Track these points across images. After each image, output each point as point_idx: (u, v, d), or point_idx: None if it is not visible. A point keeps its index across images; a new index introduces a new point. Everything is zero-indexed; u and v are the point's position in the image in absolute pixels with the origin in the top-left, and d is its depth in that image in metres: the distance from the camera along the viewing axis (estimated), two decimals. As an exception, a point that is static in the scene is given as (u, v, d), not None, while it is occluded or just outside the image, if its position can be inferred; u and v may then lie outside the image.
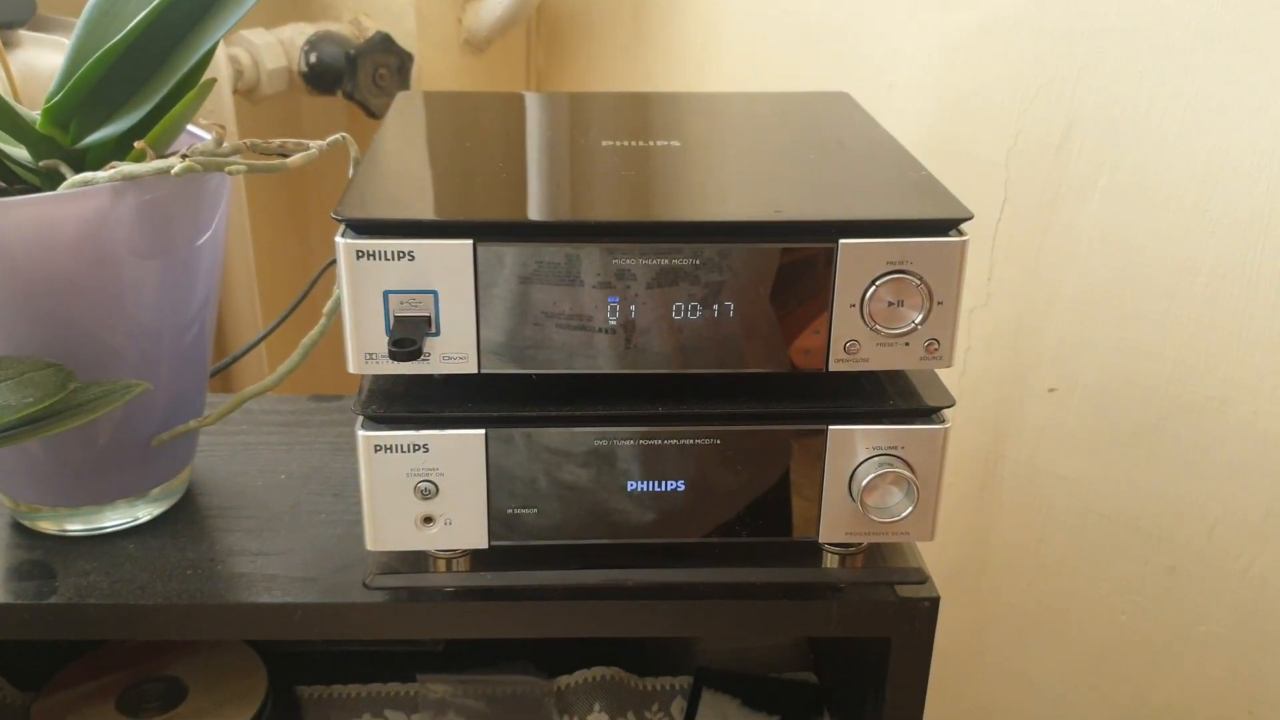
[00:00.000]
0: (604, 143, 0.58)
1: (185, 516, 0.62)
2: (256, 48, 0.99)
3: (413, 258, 0.47)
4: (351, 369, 0.49)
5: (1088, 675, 0.98)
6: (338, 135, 0.57)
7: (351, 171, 0.56)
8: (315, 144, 0.56)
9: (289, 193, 1.13)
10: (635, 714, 0.72)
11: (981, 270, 0.93)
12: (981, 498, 0.98)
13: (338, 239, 0.47)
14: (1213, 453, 0.85)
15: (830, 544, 0.55)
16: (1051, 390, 0.92)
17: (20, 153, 0.56)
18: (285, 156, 0.55)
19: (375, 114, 1.04)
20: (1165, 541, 0.90)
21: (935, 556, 0.57)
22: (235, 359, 0.71)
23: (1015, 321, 0.93)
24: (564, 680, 0.73)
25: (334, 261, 0.67)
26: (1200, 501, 0.87)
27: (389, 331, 0.48)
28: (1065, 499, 0.94)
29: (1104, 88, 0.84)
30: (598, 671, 0.73)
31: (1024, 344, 0.93)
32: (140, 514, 0.61)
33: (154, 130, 0.53)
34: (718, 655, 0.77)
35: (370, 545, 0.52)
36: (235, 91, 0.97)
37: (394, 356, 0.48)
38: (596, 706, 0.71)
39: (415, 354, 0.48)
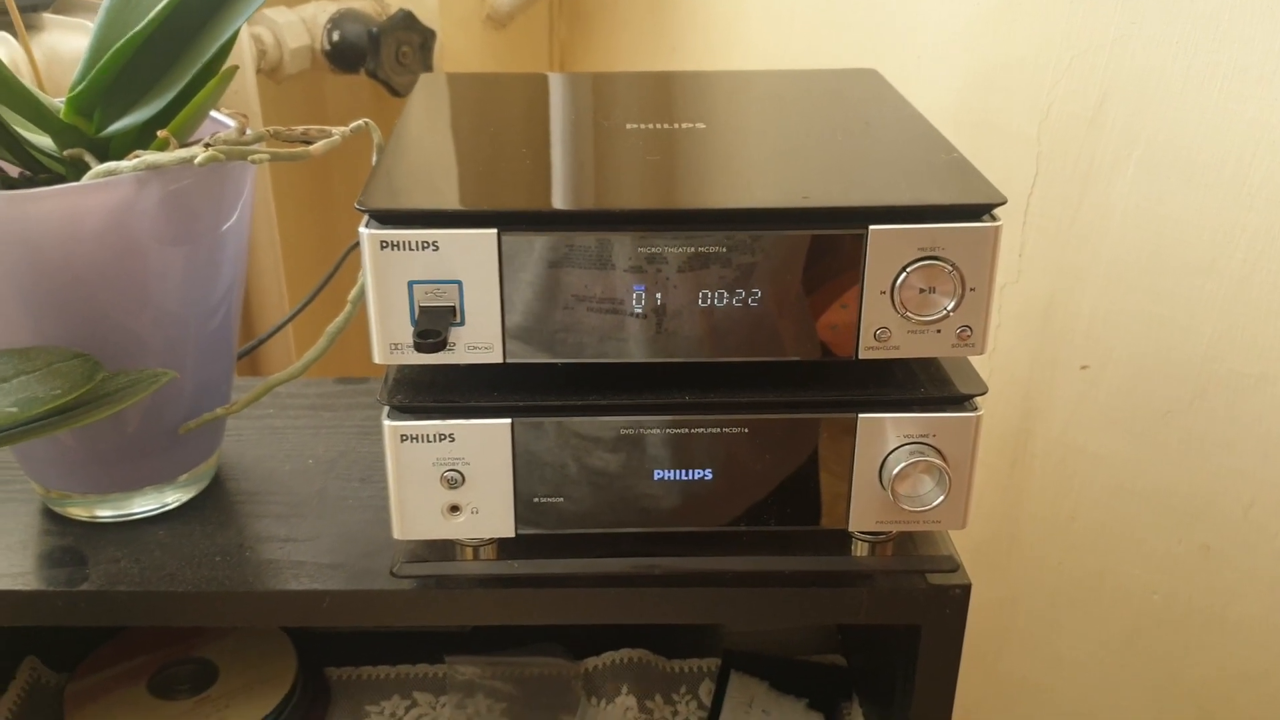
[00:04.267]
0: (628, 125, 0.57)
1: (213, 502, 0.62)
2: (279, 27, 0.99)
3: (437, 248, 0.47)
4: (377, 359, 0.49)
5: (1118, 655, 0.97)
6: (360, 122, 0.56)
7: (375, 158, 0.56)
8: (338, 130, 0.55)
9: (313, 176, 1.13)
10: (663, 696, 0.72)
11: (1013, 246, 0.92)
12: (1012, 476, 0.98)
13: (361, 229, 0.47)
14: (1250, 429, 0.84)
15: (860, 532, 0.55)
16: (1084, 367, 0.91)
17: (44, 141, 0.56)
18: (308, 144, 0.54)
19: (398, 92, 1.03)
20: (1199, 520, 0.88)
21: (964, 535, 0.57)
22: (260, 342, 0.71)
23: (1047, 298, 0.91)
24: (591, 662, 0.73)
25: (357, 245, 0.67)
26: (1236, 479, 0.86)
27: (414, 322, 0.48)
28: (1097, 477, 0.93)
29: (1139, 58, 0.82)
30: (625, 654, 0.73)
31: (1056, 320, 0.92)
32: (169, 500, 0.61)
33: (177, 118, 0.53)
34: (745, 638, 0.77)
35: (397, 534, 0.52)
36: (259, 71, 0.97)
37: (419, 348, 0.47)
38: (624, 688, 0.71)
39: (440, 345, 0.47)
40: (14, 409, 0.47)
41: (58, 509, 0.60)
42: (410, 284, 0.48)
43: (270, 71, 0.99)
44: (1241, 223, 0.80)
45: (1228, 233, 0.81)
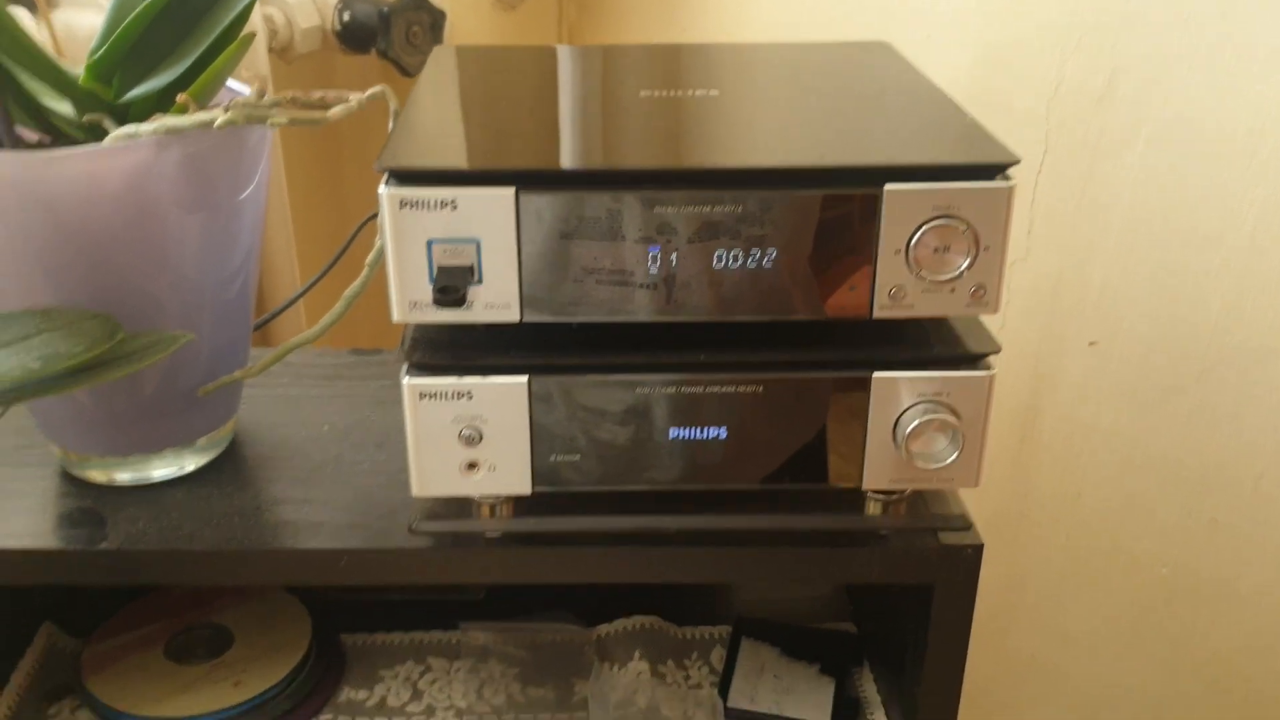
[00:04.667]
0: (641, 93, 0.58)
1: (230, 466, 0.62)
2: (290, 7, 0.99)
3: (455, 207, 0.47)
4: (396, 318, 0.49)
5: (1127, 629, 0.98)
6: (377, 88, 0.57)
7: (391, 125, 0.56)
8: (355, 96, 0.56)
9: (324, 151, 1.13)
10: (675, 662, 0.73)
11: (1021, 223, 0.92)
12: (1020, 451, 0.98)
13: (381, 189, 0.47)
14: (1259, 402, 0.84)
15: (873, 491, 0.55)
16: (1092, 343, 0.91)
17: (64, 108, 0.56)
18: (325, 110, 0.55)
19: (409, 72, 1.04)
20: (1208, 493, 0.89)
21: (973, 510, 0.57)
22: (278, 313, 0.71)
23: (1055, 274, 0.92)
24: (603, 629, 0.74)
25: (374, 216, 0.68)
26: (1245, 452, 0.86)
27: (432, 280, 0.49)
28: (1106, 452, 0.93)
29: (1148, 35, 0.82)
30: (637, 620, 0.74)
31: (1064, 297, 0.92)
32: (187, 464, 0.61)
33: (196, 83, 0.54)
34: (756, 606, 0.78)
35: (415, 491, 0.53)
36: (270, 50, 0.97)
37: (439, 303, 0.48)
38: (636, 654, 0.71)
39: (460, 301, 0.48)
40: (37, 364, 0.47)
41: (76, 472, 0.61)
42: (429, 243, 0.48)
43: (281, 51, 1.00)
44: (1250, 196, 0.80)
45: (1236, 207, 0.81)
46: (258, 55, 0.91)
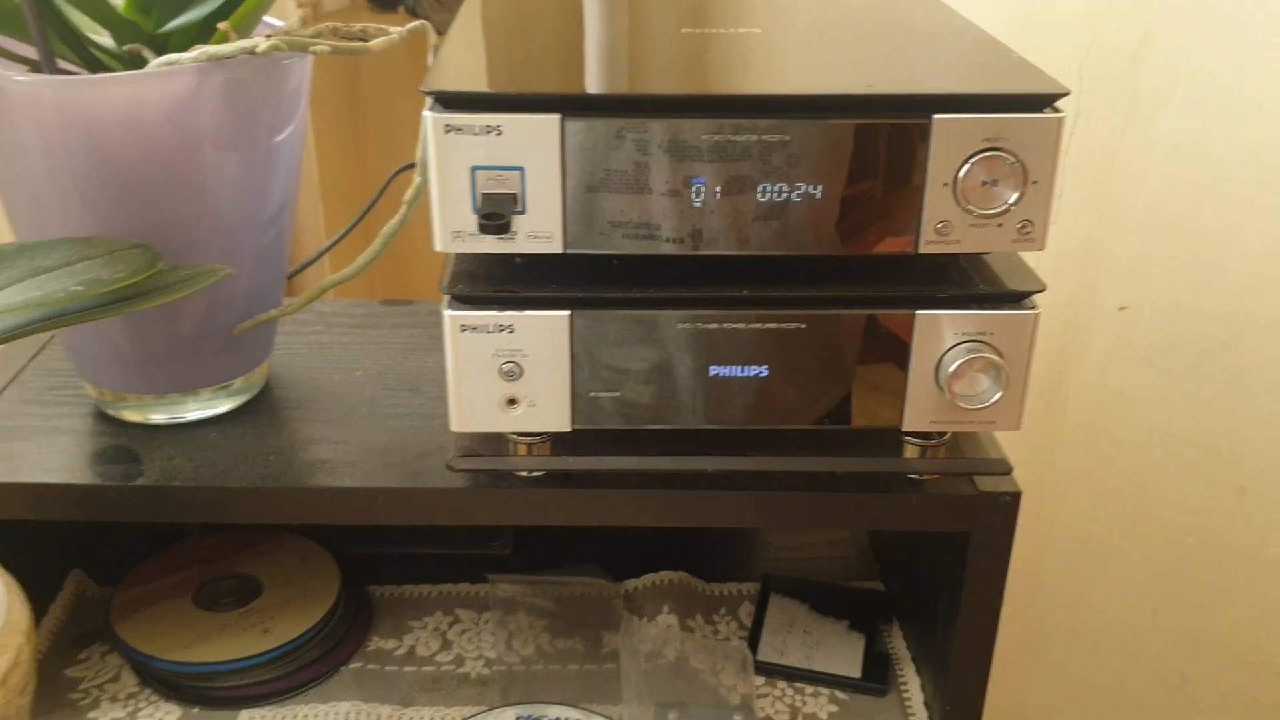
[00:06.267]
0: (683, 29, 0.57)
1: (264, 408, 0.62)
2: (317, -37, 0.99)
3: (500, 132, 0.47)
4: (438, 246, 0.49)
5: (1150, 598, 0.97)
6: (417, 23, 0.56)
7: (431, 58, 0.56)
8: (396, 30, 0.55)
9: (346, 106, 1.13)
10: (703, 616, 0.72)
11: (1050, 187, 0.92)
12: (1046, 418, 0.97)
13: (426, 113, 0.47)
14: (1289, 369, 0.84)
15: (912, 435, 0.55)
16: (1121, 308, 0.91)
17: (103, 38, 0.56)
18: (365, 40, 0.55)
19: (437, 30, 1.03)
20: (1235, 461, 0.88)
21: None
22: (312, 260, 0.71)
23: (1084, 239, 0.91)
24: (631, 583, 0.74)
25: (407, 167, 0.67)
26: (1273, 419, 0.85)
27: (475, 209, 0.48)
28: (1132, 419, 0.93)
29: (1183, -5, 0.82)
30: (665, 575, 0.74)
31: (1093, 262, 0.91)
32: (221, 405, 0.61)
33: (237, 12, 0.53)
34: (783, 564, 0.78)
35: (454, 426, 0.52)
36: (299, 6, 0.97)
37: (484, 229, 0.48)
38: (665, 608, 0.71)
39: (504, 228, 0.48)
40: (80, 288, 0.47)
41: (111, 412, 0.61)
42: (473, 169, 0.48)
43: (310, 7, 0.99)
44: (1285, 158, 0.80)
45: (1269, 171, 0.81)
46: (287, 10, 0.91)
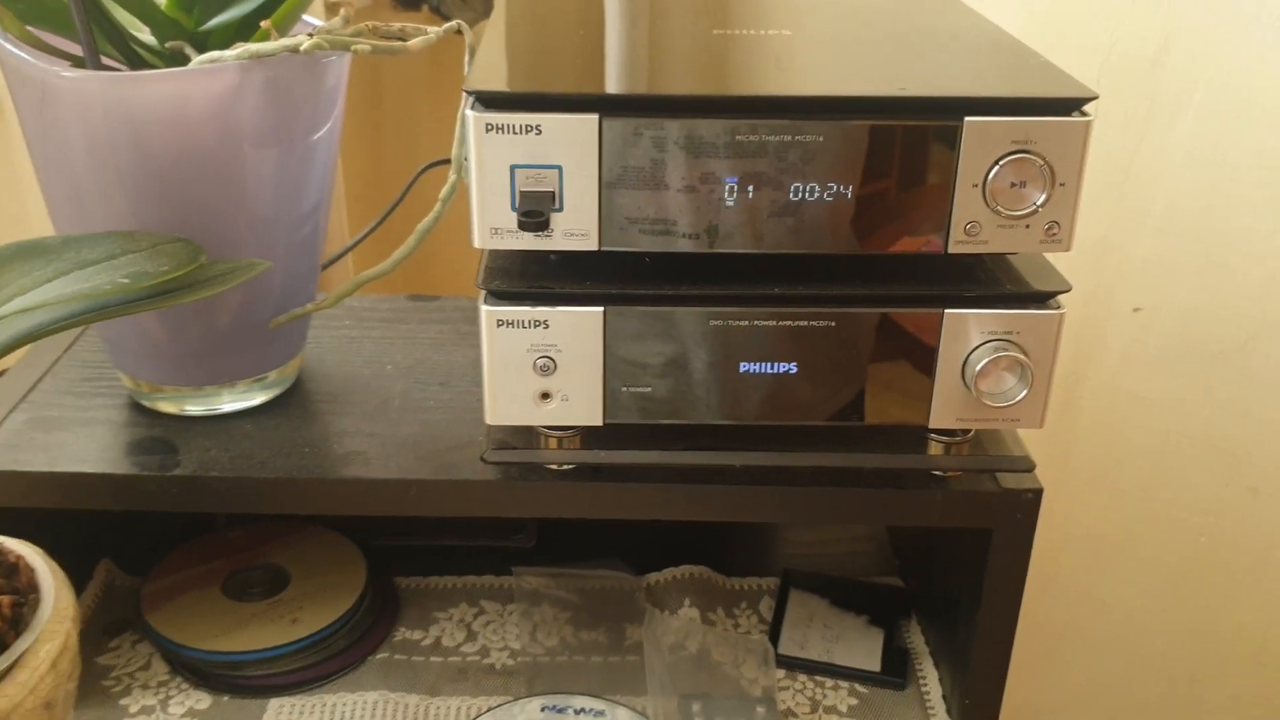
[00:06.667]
0: (714, 31, 0.58)
1: (297, 401, 0.63)
2: (342, -38, 1.00)
3: (540, 131, 0.48)
4: (476, 243, 0.50)
5: (1162, 598, 0.98)
6: (453, 23, 0.57)
7: (467, 60, 0.57)
8: (433, 30, 0.56)
9: (366, 105, 1.14)
10: (724, 610, 0.73)
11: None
12: (1061, 419, 0.98)
13: (467, 112, 0.48)
14: (1303, 371, 0.84)
15: (937, 433, 0.56)
16: (1136, 310, 0.92)
17: (145, 37, 0.57)
18: (403, 40, 0.56)
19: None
20: (1248, 462, 0.89)
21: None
22: (342, 255, 0.72)
23: (1100, 240, 0.92)
24: (653, 577, 0.74)
25: (434, 164, 0.68)
26: (1287, 421, 0.86)
27: (514, 207, 0.49)
28: (1146, 420, 0.94)
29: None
30: (686, 570, 0.75)
31: (1109, 263, 0.92)
32: (256, 397, 0.62)
33: (279, 11, 0.54)
34: (803, 559, 0.78)
35: (489, 419, 0.53)
36: (325, 4, 0.98)
37: (523, 226, 0.49)
38: (686, 602, 0.72)
39: (544, 225, 0.49)
40: (126, 280, 0.48)
41: (147, 403, 0.62)
42: (512, 168, 0.49)
43: (334, 7, 1.00)
44: (1302, 162, 0.80)
45: (1285, 175, 0.81)
46: (313, 9, 0.91)
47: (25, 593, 0.47)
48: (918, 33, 0.60)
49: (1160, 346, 0.91)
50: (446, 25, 0.57)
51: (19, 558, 0.48)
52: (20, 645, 0.45)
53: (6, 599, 0.46)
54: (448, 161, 0.58)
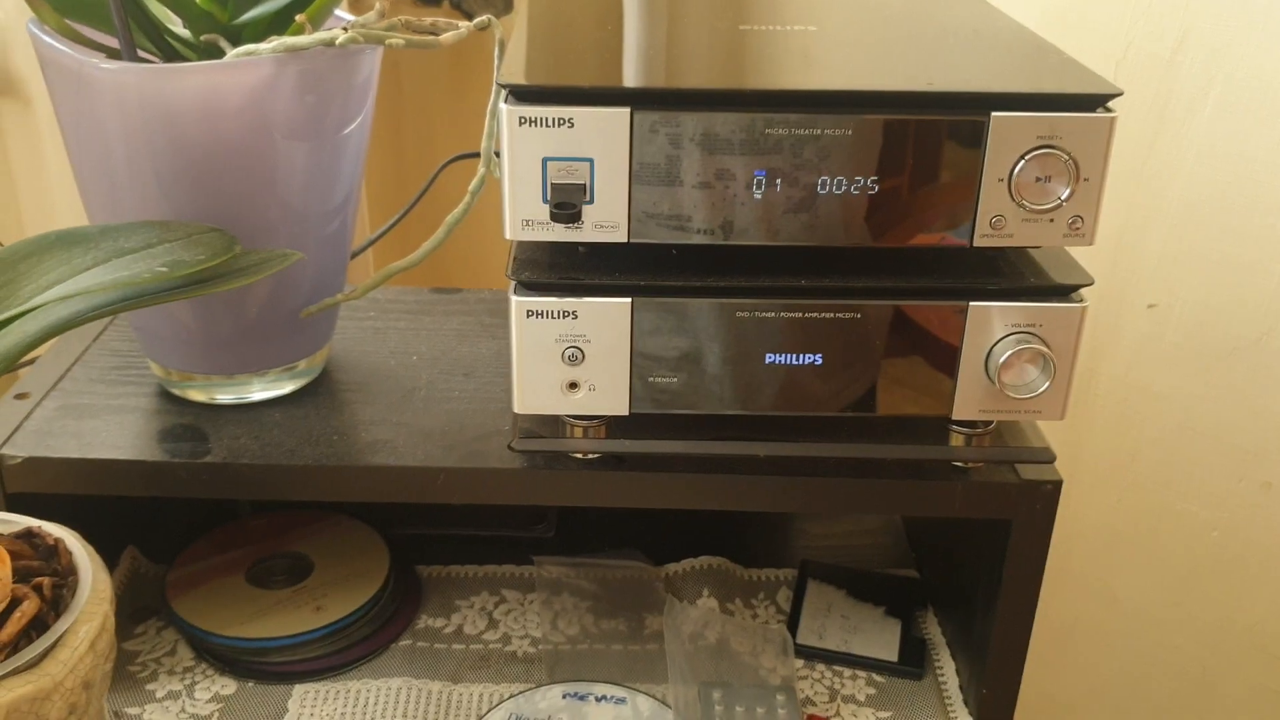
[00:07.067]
0: (741, 26, 0.59)
1: (325, 390, 0.64)
2: (362, -43, 1.01)
3: (572, 125, 0.49)
4: (508, 235, 0.51)
5: (1174, 593, 0.98)
6: (483, 18, 0.58)
7: (497, 54, 0.58)
8: (464, 24, 0.57)
9: (385, 98, 1.14)
10: (742, 600, 0.74)
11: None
12: (1074, 414, 0.98)
13: (500, 105, 0.49)
14: (1317, 367, 0.85)
15: (959, 424, 0.57)
16: (1151, 306, 0.92)
17: (181, 30, 0.57)
18: (435, 34, 0.56)
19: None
20: (1261, 457, 0.90)
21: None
22: (370, 243, 0.73)
23: (1115, 237, 0.93)
24: (672, 568, 0.75)
25: (458, 157, 0.69)
26: (1301, 417, 0.87)
27: (546, 199, 0.50)
28: (1160, 415, 0.94)
29: (1220, -3, 0.83)
30: (705, 561, 0.75)
31: (1124, 259, 0.93)
32: (285, 386, 0.63)
33: (313, 5, 0.55)
34: (820, 550, 0.79)
35: (517, 408, 0.54)
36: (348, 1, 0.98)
37: (555, 218, 0.49)
38: (705, 592, 0.73)
39: (575, 217, 0.49)
40: (164, 269, 0.49)
41: (177, 391, 0.63)
42: (544, 160, 0.49)
43: (354, 2, 1.01)
44: (1318, 160, 0.81)
45: (1301, 172, 0.82)
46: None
47: (64, 575, 0.48)
48: (943, 29, 0.61)
49: (1174, 342, 0.92)
50: (477, 20, 0.58)
51: (58, 540, 0.49)
52: (60, 625, 0.45)
53: (47, 580, 0.47)
54: (473, 155, 0.59)
